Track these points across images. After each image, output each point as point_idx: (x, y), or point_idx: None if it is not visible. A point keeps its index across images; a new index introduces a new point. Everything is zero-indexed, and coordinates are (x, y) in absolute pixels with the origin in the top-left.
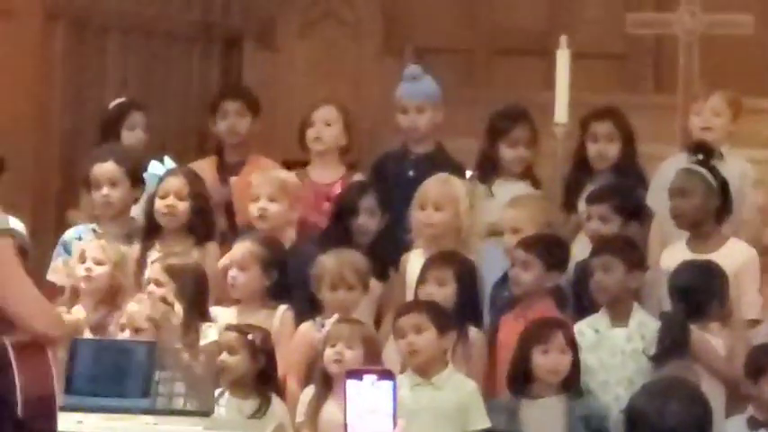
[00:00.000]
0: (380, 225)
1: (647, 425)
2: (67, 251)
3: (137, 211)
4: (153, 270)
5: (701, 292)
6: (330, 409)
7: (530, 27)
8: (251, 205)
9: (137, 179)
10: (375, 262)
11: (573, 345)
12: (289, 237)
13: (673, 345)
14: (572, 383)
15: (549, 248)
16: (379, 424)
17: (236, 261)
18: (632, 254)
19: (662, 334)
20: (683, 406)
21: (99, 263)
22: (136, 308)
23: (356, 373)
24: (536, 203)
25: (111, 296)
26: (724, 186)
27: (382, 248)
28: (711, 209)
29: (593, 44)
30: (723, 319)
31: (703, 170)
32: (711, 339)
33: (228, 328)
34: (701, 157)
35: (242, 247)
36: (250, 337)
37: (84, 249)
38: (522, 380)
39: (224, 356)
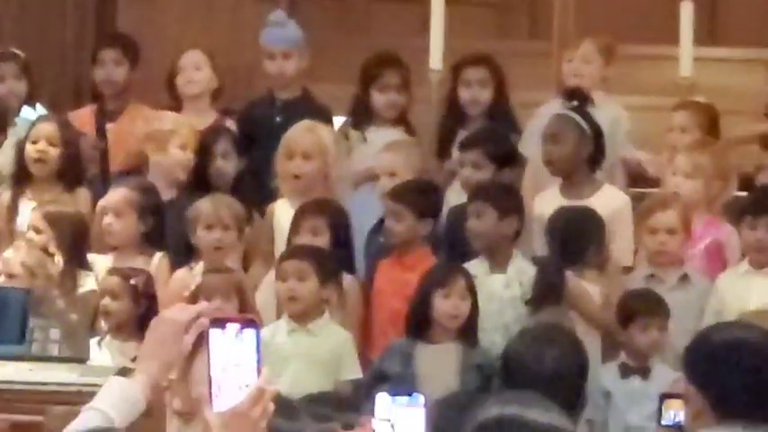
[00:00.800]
0: (238, 168)
1: (524, 371)
2: None
3: None
4: (32, 217)
5: (577, 238)
6: (200, 365)
7: None
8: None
9: None
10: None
11: (473, 292)
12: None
13: (548, 290)
14: (468, 331)
15: (420, 196)
16: (243, 374)
17: (111, 207)
18: (506, 200)
19: (537, 279)
20: (560, 352)
21: None
22: (11, 254)
23: (219, 322)
24: (411, 148)
25: None
26: (597, 133)
27: (244, 192)
28: (584, 155)
29: None
30: (600, 265)
31: (576, 116)
32: (588, 286)
33: (111, 272)
34: (575, 103)
35: (117, 194)
36: (133, 281)
37: None
38: (421, 323)
39: (106, 301)
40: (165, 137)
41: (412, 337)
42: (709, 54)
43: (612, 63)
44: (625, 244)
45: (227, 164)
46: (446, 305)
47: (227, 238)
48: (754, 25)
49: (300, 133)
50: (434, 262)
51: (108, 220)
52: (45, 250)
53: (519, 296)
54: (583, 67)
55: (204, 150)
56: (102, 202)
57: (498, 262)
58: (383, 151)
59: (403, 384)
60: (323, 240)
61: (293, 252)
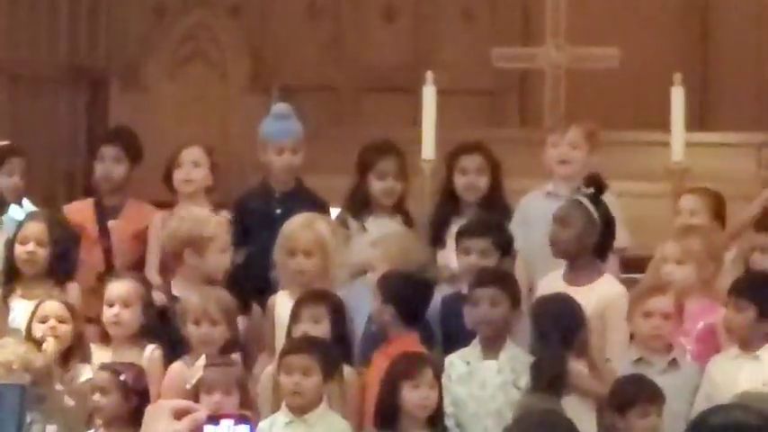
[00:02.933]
0: (238, 260)
1: None
2: None
3: None
4: (51, 309)
5: (570, 325)
6: None
7: (395, 64)
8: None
9: None
10: (237, 296)
11: (438, 380)
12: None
13: (553, 379)
14: (436, 419)
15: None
16: None
17: (121, 298)
18: (516, 289)
19: (540, 368)
20: None
21: None
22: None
23: (214, 419)
24: (396, 241)
25: None
26: (608, 222)
27: (242, 283)
28: (588, 242)
29: (459, 80)
30: (581, 349)
31: (588, 203)
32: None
33: (102, 367)
34: (591, 190)
35: (125, 285)
36: (122, 377)
37: None
38: (390, 414)
39: (97, 397)
40: (206, 242)
41: (381, 428)
42: (700, 139)
43: (597, 150)
44: (620, 335)
45: (224, 257)
46: (416, 396)
47: (214, 333)
48: (745, 110)
49: (300, 230)
50: (423, 351)
51: (115, 310)
52: (35, 342)
53: (511, 382)
54: (570, 153)
55: None
56: (109, 294)
57: (492, 348)
58: (369, 246)
59: None
60: (323, 329)
61: (299, 346)
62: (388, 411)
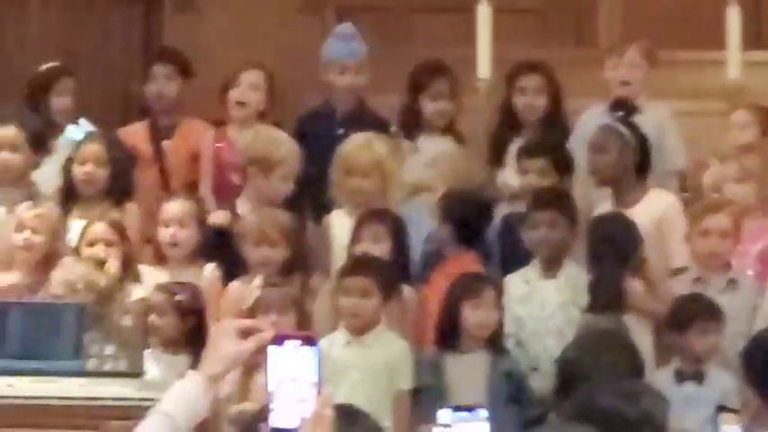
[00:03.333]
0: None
1: (580, 377)
2: None
3: (37, 175)
4: (98, 231)
5: (627, 244)
6: (259, 381)
7: None
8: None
9: (38, 144)
10: (295, 215)
11: (500, 302)
12: None
13: (613, 298)
14: (496, 340)
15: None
16: (302, 391)
17: (176, 218)
18: (574, 211)
19: (600, 287)
20: (617, 358)
21: (36, 231)
22: (57, 273)
23: (279, 339)
24: (454, 162)
25: (46, 261)
26: (643, 143)
27: (301, 202)
28: (629, 165)
29: None
30: (637, 268)
31: (621, 127)
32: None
33: (157, 288)
34: (620, 113)
35: (178, 205)
36: (177, 297)
37: (22, 218)
38: (450, 334)
39: (153, 318)
40: (272, 165)
41: (441, 347)
42: (756, 58)
43: (655, 67)
44: (676, 246)
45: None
46: (477, 316)
47: (274, 255)
48: None
49: (358, 150)
50: (479, 269)
51: (172, 231)
52: (98, 262)
53: (570, 301)
54: (630, 73)
55: None
56: (164, 215)
57: (550, 268)
58: (427, 166)
59: (433, 395)
60: (384, 248)
61: (356, 267)
62: (449, 330)
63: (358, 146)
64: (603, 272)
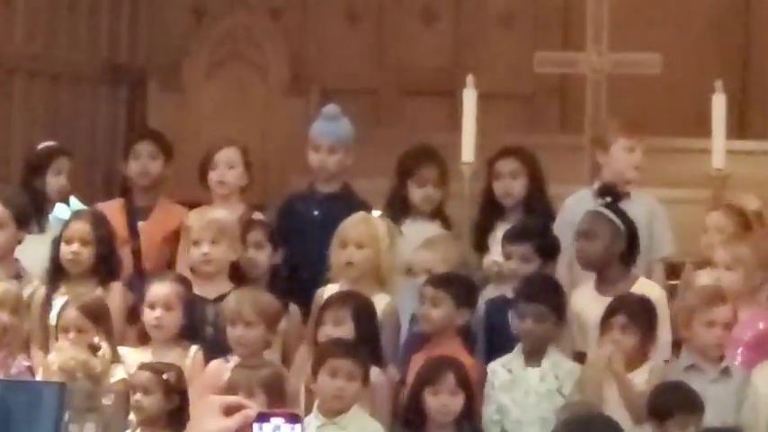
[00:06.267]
0: (273, 260)
1: None
2: None
3: (19, 251)
4: (69, 317)
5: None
6: None
7: (436, 66)
8: (192, 250)
9: (22, 221)
10: (277, 296)
11: (466, 385)
12: (221, 278)
13: None
14: (463, 423)
15: (460, 285)
16: None
17: (161, 301)
18: (562, 302)
19: None
20: None
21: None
22: (54, 357)
23: (263, 417)
24: (448, 244)
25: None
26: (631, 229)
27: (281, 285)
28: (616, 252)
29: (499, 84)
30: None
31: (610, 213)
32: (638, 375)
33: (142, 367)
34: (608, 199)
35: (165, 287)
36: (165, 376)
37: None
38: (417, 419)
39: (138, 396)
40: (185, 235)
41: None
42: (740, 147)
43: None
44: (665, 336)
45: (259, 254)
46: (436, 402)
47: (248, 335)
48: None
49: (354, 223)
50: (465, 355)
51: (157, 313)
52: (92, 347)
53: (555, 389)
54: (643, 160)
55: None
56: (150, 297)
57: (534, 355)
58: (421, 248)
59: None
60: (345, 330)
61: (344, 351)
62: (415, 415)
63: (356, 219)
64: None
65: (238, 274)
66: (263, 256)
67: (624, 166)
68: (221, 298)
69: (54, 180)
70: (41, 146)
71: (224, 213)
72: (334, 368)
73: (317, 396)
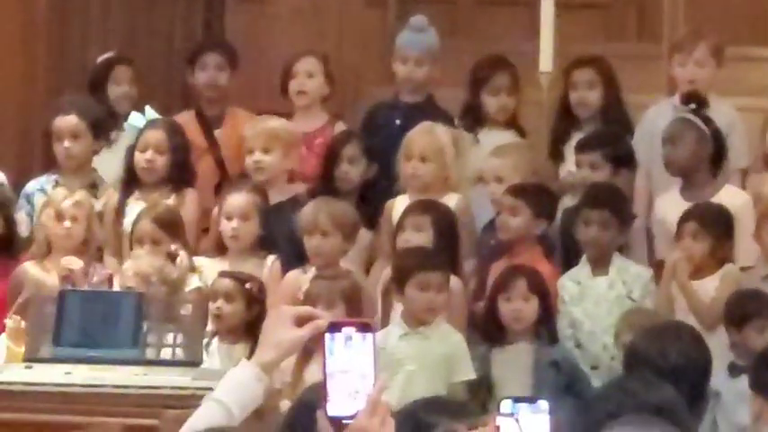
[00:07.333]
0: (367, 174)
1: (648, 366)
2: (30, 203)
3: (97, 161)
4: (145, 229)
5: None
6: (314, 369)
7: None
8: (246, 157)
9: (98, 131)
10: (364, 210)
11: (540, 291)
12: (280, 186)
13: None
14: (540, 329)
15: (538, 195)
16: (357, 379)
17: (238, 212)
18: (626, 209)
19: None
20: (685, 348)
21: (75, 219)
22: (129, 265)
23: (335, 327)
24: (520, 152)
25: (84, 247)
26: (716, 134)
27: (371, 197)
28: (704, 156)
29: None
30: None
31: (695, 118)
32: (709, 282)
33: (223, 275)
34: (692, 106)
35: (242, 198)
36: (248, 285)
37: (61, 209)
38: (494, 327)
39: (219, 303)
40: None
41: (487, 339)
42: None
43: (722, 65)
44: (747, 244)
45: (353, 168)
46: (507, 308)
47: (324, 245)
48: None
49: (418, 135)
50: (545, 263)
51: (234, 224)
52: (170, 255)
53: (624, 294)
54: (698, 72)
55: (332, 154)
56: (227, 207)
57: (600, 264)
58: (491, 155)
59: (481, 388)
60: (426, 237)
61: (433, 263)
62: (492, 324)
63: (420, 130)
64: None
65: (332, 187)
66: (355, 171)
67: (678, 80)
68: (280, 205)
69: (115, 89)
70: (101, 57)
71: (279, 122)
72: (424, 281)
73: (404, 307)
